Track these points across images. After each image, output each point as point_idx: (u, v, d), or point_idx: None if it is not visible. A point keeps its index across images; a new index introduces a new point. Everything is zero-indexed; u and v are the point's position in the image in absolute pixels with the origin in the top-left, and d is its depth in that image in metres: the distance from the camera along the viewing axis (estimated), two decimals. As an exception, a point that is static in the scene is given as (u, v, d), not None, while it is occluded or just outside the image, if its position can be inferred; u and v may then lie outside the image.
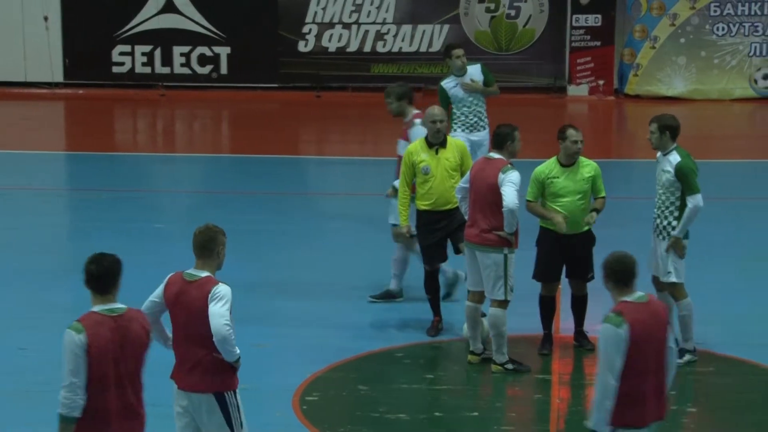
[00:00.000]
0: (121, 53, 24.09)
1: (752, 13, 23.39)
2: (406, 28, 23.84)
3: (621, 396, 7.09)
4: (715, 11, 23.41)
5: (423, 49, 23.83)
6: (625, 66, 23.77)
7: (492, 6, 23.73)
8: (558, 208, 10.70)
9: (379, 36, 23.88)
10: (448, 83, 14.29)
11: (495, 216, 10.36)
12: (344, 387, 10.31)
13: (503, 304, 10.45)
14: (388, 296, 12.29)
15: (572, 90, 23.87)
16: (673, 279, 10.60)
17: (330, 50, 23.92)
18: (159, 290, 7.65)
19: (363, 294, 12.35)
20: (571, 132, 10.72)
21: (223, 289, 7.45)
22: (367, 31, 23.90)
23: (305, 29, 23.91)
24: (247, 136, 21.57)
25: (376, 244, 13.36)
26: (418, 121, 11.93)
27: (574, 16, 23.63)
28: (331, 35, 23.92)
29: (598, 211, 10.75)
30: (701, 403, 10.25)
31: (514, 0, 23.72)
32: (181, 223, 15.08)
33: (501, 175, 10.32)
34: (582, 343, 11.04)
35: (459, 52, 14.38)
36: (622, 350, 7.02)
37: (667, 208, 10.58)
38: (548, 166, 10.82)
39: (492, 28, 23.78)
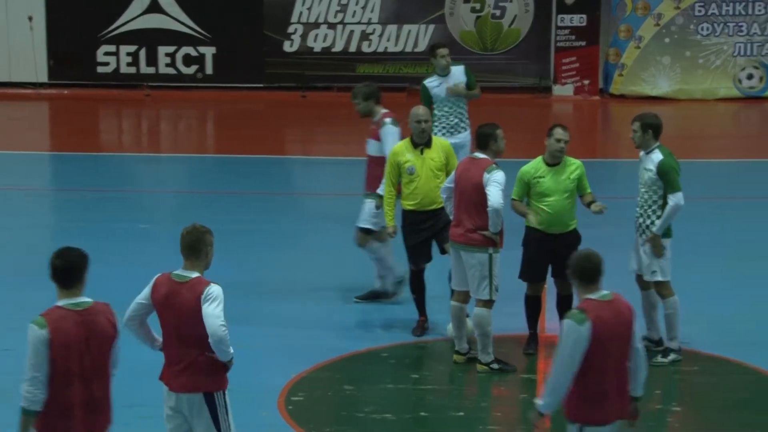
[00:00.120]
0: (106, 53, 24.05)
1: (736, 13, 23.46)
2: (392, 28, 23.85)
3: (584, 393, 7.17)
4: (699, 11, 23.47)
5: (408, 49, 23.84)
6: (610, 66, 23.81)
7: (477, 6, 23.75)
8: (544, 208, 10.71)
9: (365, 36, 23.89)
10: (431, 82, 14.28)
11: (480, 216, 10.37)
12: (330, 387, 10.30)
13: (488, 303, 10.46)
14: (374, 296, 12.29)
15: (557, 90, 23.90)
16: (658, 278, 10.63)
17: (315, 50, 23.92)
18: (146, 291, 7.63)
19: (349, 294, 12.34)
20: (557, 130, 10.74)
21: (215, 290, 7.46)
22: (352, 31, 23.90)
23: (290, 29, 23.90)
24: (233, 136, 21.55)
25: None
26: (388, 120, 11.91)
27: (560, 16, 23.67)
28: (317, 35, 23.91)
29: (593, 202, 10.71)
30: (686, 402, 10.27)
31: (500, 0, 23.74)
32: (167, 224, 15.08)
33: (486, 175, 10.33)
34: (567, 342, 11.03)
35: (444, 51, 14.37)
36: (582, 347, 7.08)
37: (649, 207, 10.61)
38: (534, 166, 10.83)
39: (477, 28, 23.79)
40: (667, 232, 10.64)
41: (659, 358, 10.75)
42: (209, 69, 24.09)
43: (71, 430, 6.93)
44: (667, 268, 10.66)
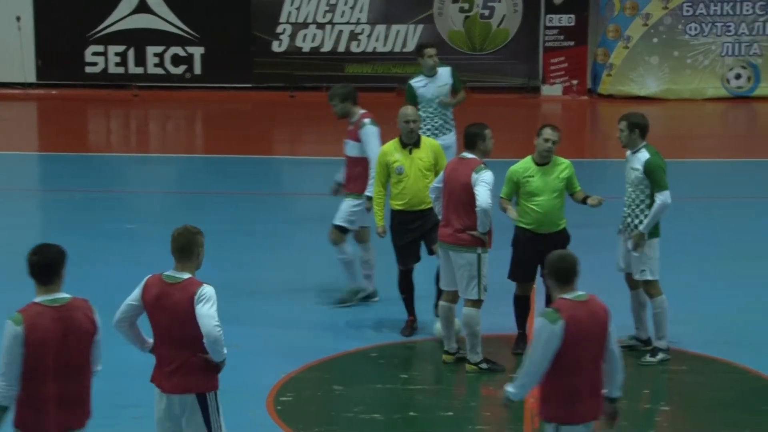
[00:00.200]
0: (94, 53, 24.00)
1: (724, 12, 23.50)
2: (380, 28, 23.84)
3: (558, 393, 7.24)
4: (687, 11, 23.50)
5: (397, 49, 23.83)
6: (599, 66, 23.83)
7: (466, 6, 23.76)
8: (534, 207, 10.73)
9: (353, 36, 23.88)
10: (417, 82, 14.27)
11: (469, 216, 10.37)
12: (319, 387, 10.30)
13: (477, 303, 10.47)
14: (365, 297, 12.30)
15: (546, 90, 23.92)
16: (647, 276, 10.65)
17: (304, 50, 23.90)
18: (136, 293, 7.62)
19: (337, 294, 12.34)
20: (545, 130, 10.77)
21: (208, 291, 7.47)
22: (341, 31, 23.89)
23: (279, 29, 23.88)
24: (221, 137, 21.52)
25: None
26: (367, 120, 11.90)
27: (548, 16, 23.68)
28: (305, 35, 23.89)
29: (588, 196, 10.74)
30: (675, 401, 10.30)
31: (488, 0, 23.76)
32: (155, 224, 15.06)
33: (474, 175, 10.34)
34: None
35: (431, 51, 14.36)
36: (554, 345, 7.15)
37: (637, 206, 10.63)
38: (523, 165, 10.85)
39: (466, 28, 23.80)
40: (655, 232, 10.66)
41: (648, 358, 10.77)
42: (198, 69, 24.06)
43: (47, 425, 6.97)
44: (655, 268, 10.68)
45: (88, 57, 23.98)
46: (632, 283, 10.87)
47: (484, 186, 10.29)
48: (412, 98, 14.10)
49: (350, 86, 12.25)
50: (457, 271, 10.49)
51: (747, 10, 23.48)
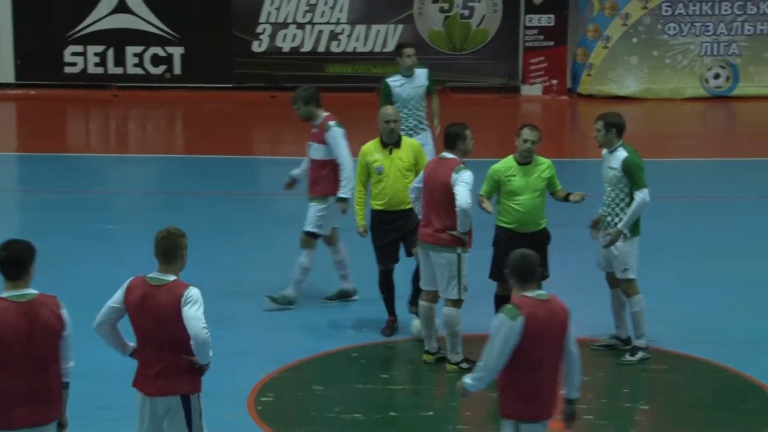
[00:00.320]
0: (74, 53, 23.94)
1: (703, 12, 23.58)
2: (360, 28, 23.84)
3: (518, 390, 7.30)
4: (666, 11, 23.57)
5: (377, 49, 23.84)
6: (578, 66, 23.89)
7: (446, 6, 23.78)
8: (516, 206, 10.74)
9: (333, 36, 23.87)
10: (394, 81, 14.27)
11: (448, 215, 10.39)
12: (299, 387, 10.30)
13: (457, 303, 10.48)
14: (343, 296, 12.31)
15: (526, 90, 23.95)
16: (630, 275, 10.68)
17: (284, 50, 23.88)
18: (119, 295, 7.57)
19: (317, 294, 12.34)
20: (524, 131, 10.80)
21: (195, 293, 7.45)
22: (321, 31, 23.88)
23: (259, 29, 23.86)
24: (202, 137, 21.49)
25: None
26: (332, 123, 11.88)
27: (528, 16, 23.72)
28: (285, 35, 23.88)
29: (570, 193, 10.76)
30: (654, 400, 10.32)
31: (468, 0, 23.78)
32: (136, 224, 15.02)
33: (454, 175, 10.35)
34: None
35: (410, 51, 14.37)
36: (513, 341, 7.22)
37: (617, 205, 10.66)
38: (505, 164, 10.86)
39: (446, 28, 23.82)
40: (634, 230, 10.69)
41: (627, 357, 10.80)
42: (177, 69, 24.02)
43: (13, 420, 6.97)
44: (634, 266, 10.71)
45: (68, 57, 23.92)
46: (613, 282, 10.90)
47: (463, 186, 10.30)
48: (388, 96, 14.10)
49: (313, 88, 12.17)
50: (437, 270, 10.50)
51: (725, 10, 23.57)
